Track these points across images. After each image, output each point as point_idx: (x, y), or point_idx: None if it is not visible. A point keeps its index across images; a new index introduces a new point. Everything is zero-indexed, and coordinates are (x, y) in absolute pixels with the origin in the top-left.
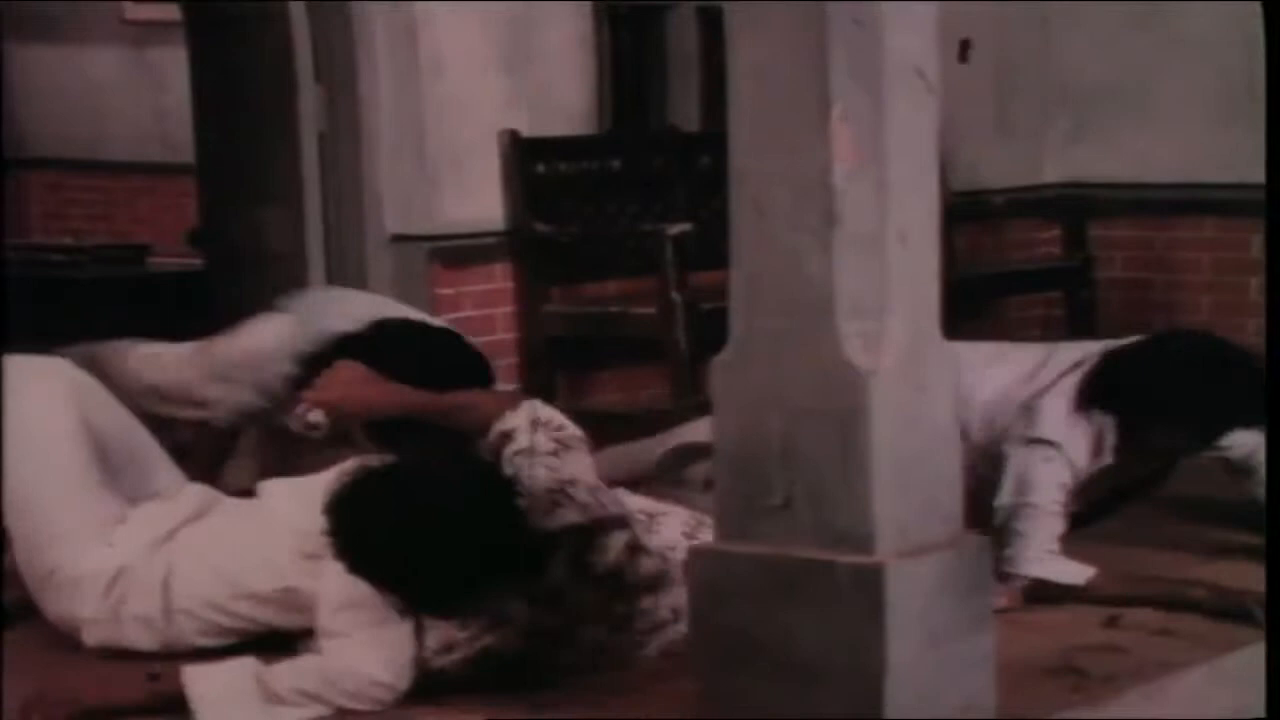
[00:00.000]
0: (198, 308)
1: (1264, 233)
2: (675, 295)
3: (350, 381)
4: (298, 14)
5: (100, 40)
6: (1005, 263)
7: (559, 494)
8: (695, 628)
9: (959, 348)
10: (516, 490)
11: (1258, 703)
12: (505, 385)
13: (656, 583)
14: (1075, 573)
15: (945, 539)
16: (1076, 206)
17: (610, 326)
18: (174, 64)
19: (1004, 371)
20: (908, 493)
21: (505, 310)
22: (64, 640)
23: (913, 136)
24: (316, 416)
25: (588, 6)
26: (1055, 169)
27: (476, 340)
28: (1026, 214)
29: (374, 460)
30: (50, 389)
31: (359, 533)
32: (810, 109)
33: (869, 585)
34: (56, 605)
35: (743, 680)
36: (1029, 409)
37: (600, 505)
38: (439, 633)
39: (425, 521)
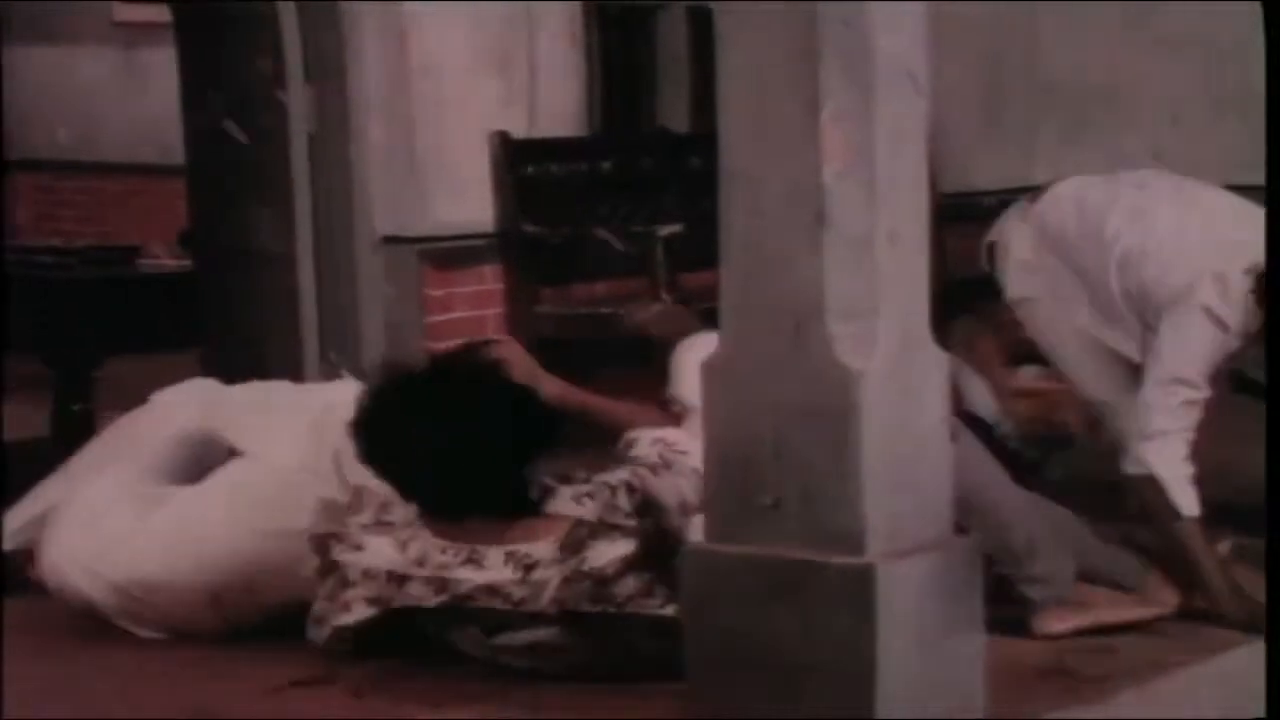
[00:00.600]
0: (187, 309)
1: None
2: (666, 296)
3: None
4: (287, 15)
5: (90, 42)
6: None
7: (622, 495)
8: (687, 627)
9: (1162, 181)
10: (531, 399)
11: (1249, 703)
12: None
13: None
14: (1190, 502)
15: (935, 540)
16: None
17: (601, 328)
18: (163, 65)
19: (1200, 220)
20: (898, 493)
21: (495, 312)
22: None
23: (902, 138)
24: None
25: (578, 8)
26: (1046, 170)
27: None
28: None
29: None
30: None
31: (384, 443)
32: (800, 110)
33: (860, 586)
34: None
35: (734, 680)
36: (1220, 280)
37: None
38: None
39: (442, 433)
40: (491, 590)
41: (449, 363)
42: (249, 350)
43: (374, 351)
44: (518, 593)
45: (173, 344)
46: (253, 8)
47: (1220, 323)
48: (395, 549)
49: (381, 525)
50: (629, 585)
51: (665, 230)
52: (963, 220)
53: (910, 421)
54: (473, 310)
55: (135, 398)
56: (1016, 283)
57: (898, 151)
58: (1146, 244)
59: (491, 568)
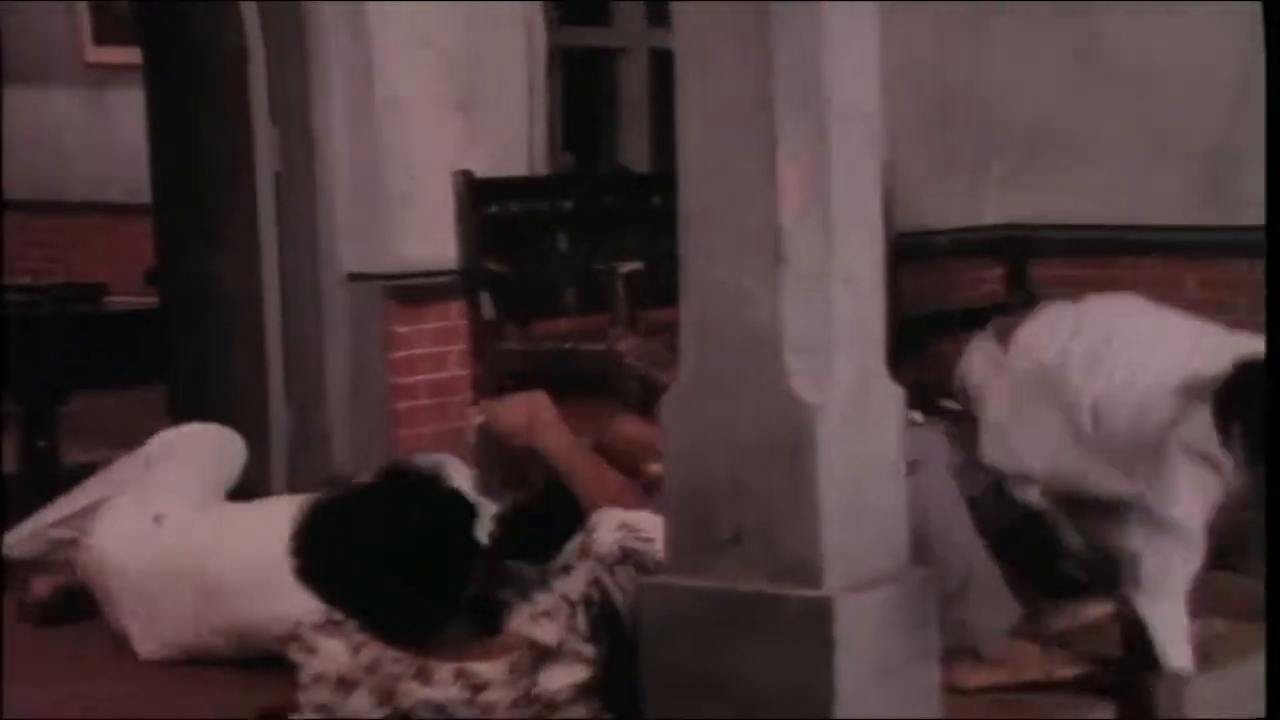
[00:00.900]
0: (154, 346)
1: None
2: (627, 332)
3: (536, 411)
4: (255, 56)
5: (61, 83)
6: (950, 301)
7: (580, 615)
8: (646, 660)
9: (1114, 318)
10: (472, 517)
11: None
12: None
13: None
14: (1185, 659)
15: (892, 572)
16: (1019, 246)
17: (563, 363)
18: (132, 106)
19: (1163, 357)
20: (855, 527)
21: (459, 348)
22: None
23: (857, 179)
24: (478, 421)
25: (541, 49)
26: (997, 210)
27: (431, 377)
28: (970, 254)
29: (334, 490)
30: None
31: (322, 566)
32: (757, 152)
33: (817, 618)
34: None
35: (693, 713)
36: (1192, 413)
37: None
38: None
39: (384, 553)
40: (438, 709)
41: (390, 478)
42: (216, 387)
43: (339, 387)
44: (464, 713)
45: (140, 381)
46: (221, 50)
47: (1209, 460)
48: (348, 653)
49: (334, 625)
50: (579, 712)
51: (626, 268)
52: (917, 258)
53: (866, 455)
54: (437, 346)
55: (101, 434)
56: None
57: (852, 192)
58: (1112, 395)
59: (440, 684)
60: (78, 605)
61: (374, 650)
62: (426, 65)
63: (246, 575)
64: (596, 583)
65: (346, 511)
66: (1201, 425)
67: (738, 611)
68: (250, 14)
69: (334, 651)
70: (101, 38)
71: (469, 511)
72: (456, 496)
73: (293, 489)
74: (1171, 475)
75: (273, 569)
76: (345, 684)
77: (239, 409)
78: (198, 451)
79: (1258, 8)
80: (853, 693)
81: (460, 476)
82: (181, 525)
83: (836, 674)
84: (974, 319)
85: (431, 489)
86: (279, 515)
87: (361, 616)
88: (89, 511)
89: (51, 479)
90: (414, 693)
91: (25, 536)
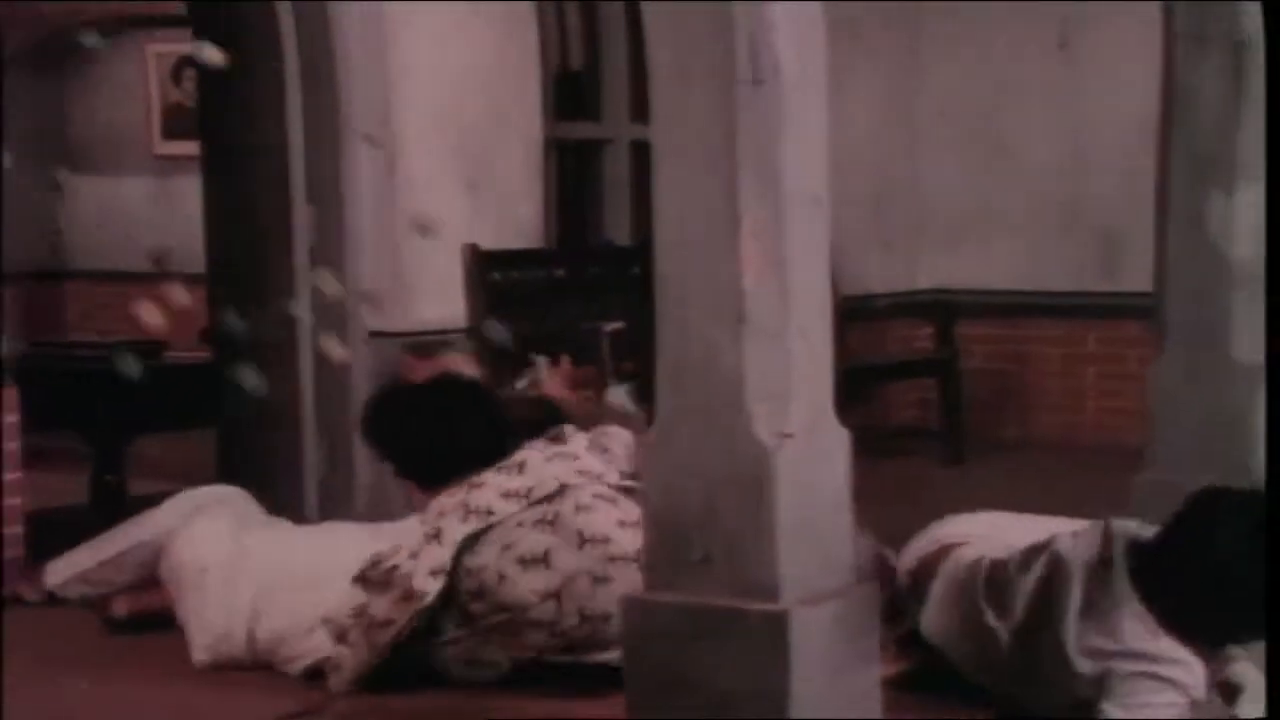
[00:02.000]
0: (206, 395)
1: (1093, 331)
2: (611, 381)
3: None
4: (295, 147)
5: (133, 171)
6: (887, 354)
7: None
8: (628, 666)
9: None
10: (500, 406)
11: None
12: None
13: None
14: None
15: (839, 588)
16: (945, 308)
17: (555, 408)
18: (191, 190)
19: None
20: (808, 549)
21: None
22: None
23: (809, 249)
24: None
25: (538, 140)
26: (927, 277)
27: None
28: (904, 314)
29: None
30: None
31: (386, 434)
32: (723, 227)
33: (776, 628)
34: None
35: (669, 711)
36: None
37: None
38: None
39: (436, 426)
40: (504, 494)
41: (437, 379)
42: (258, 429)
43: None
44: (523, 483)
45: (194, 424)
46: (266, 143)
47: (1175, 685)
48: (427, 537)
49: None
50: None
51: (610, 327)
52: (860, 318)
53: (817, 488)
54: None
55: (161, 471)
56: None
57: (805, 260)
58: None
59: (490, 480)
60: (151, 622)
61: (446, 521)
62: (440, 153)
63: (301, 580)
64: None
65: (408, 396)
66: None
67: (707, 623)
68: (294, 114)
69: (419, 538)
70: (168, 134)
71: (488, 401)
72: (479, 392)
73: (324, 514)
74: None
75: (321, 577)
76: (435, 536)
77: (278, 447)
78: (239, 496)
79: (1144, 99)
80: (806, 691)
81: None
82: (254, 536)
83: (792, 675)
84: (908, 370)
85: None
86: (331, 535)
87: (414, 472)
88: (124, 557)
89: (119, 509)
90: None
91: (65, 580)
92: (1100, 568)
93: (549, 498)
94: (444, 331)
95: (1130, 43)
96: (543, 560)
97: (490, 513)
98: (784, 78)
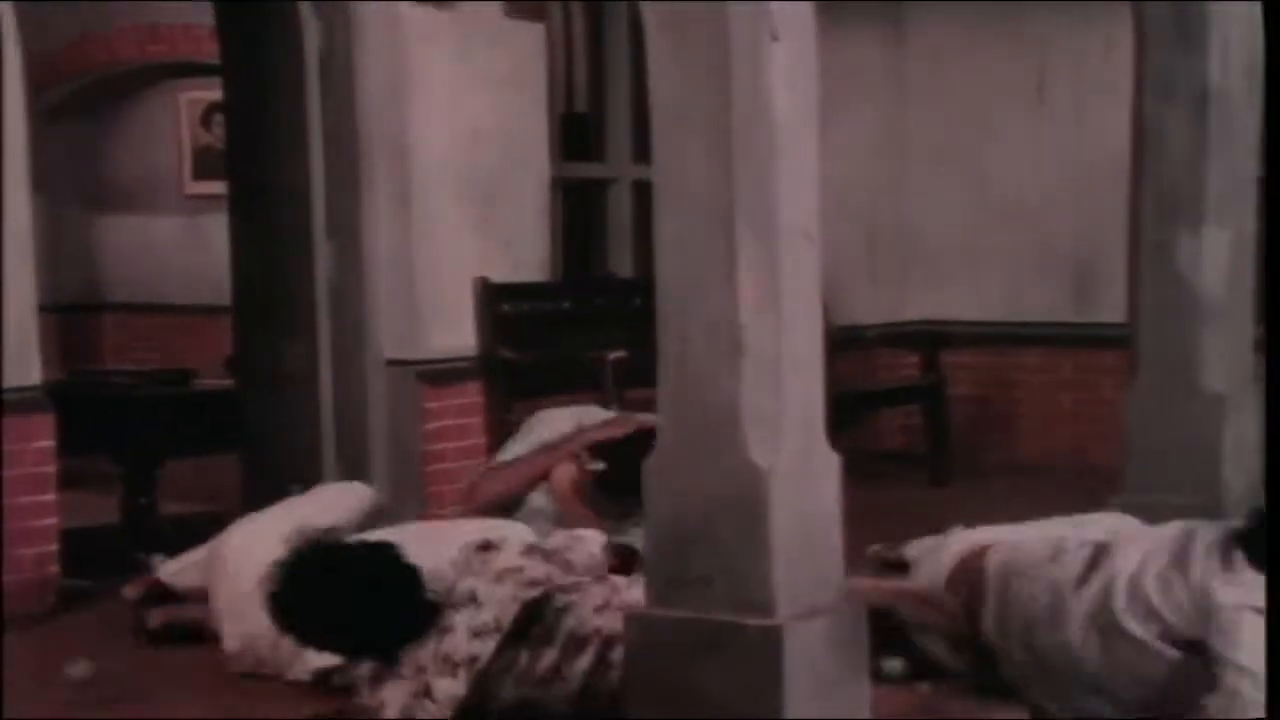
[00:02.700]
0: (232, 420)
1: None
2: (614, 407)
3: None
4: (316, 187)
5: (164, 210)
6: (876, 382)
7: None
8: (630, 677)
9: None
10: (405, 562)
11: None
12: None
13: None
14: None
15: (831, 604)
16: (931, 338)
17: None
18: (220, 227)
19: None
20: (801, 567)
21: (477, 420)
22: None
23: (802, 283)
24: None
25: (546, 179)
26: (914, 309)
27: (456, 444)
28: (892, 344)
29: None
30: None
31: (290, 612)
32: (720, 262)
33: (771, 642)
34: None
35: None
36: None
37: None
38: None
39: (337, 600)
40: (476, 633)
41: (348, 548)
42: (281, 452)
43: (381, 451)
44: (488, 616)
45: (220, 448)
46: (290, 183)
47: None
48: (395, 683)
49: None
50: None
51: (613, 355)
52: (850, 347)
53: (810, 509)
54: (459, 419)
55: (189, 491)
56: None
57: (798, 293)
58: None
59: (456, 623)
60: (185, 633)
61: None
62: (454, 192)
63: None
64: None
65: (309, 579)
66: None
67: (705, 637)
68: (316, 155)
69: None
70: (199, 174)
71: (404, 578)
72: (394, 567)
73: None
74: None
75: None
76: None
77: (299, 470)
78: (330, 498)
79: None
80: (798, 702)
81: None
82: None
83: (786, 687)
84: (896, 397)
85: (374, 560)
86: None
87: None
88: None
89: (149, 528)
90: None
91: (176, 570)
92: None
93: (522, 619)
94: (456, 360)
95: (1103, 91)
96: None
97: (475, 659)
98: (778, 119)
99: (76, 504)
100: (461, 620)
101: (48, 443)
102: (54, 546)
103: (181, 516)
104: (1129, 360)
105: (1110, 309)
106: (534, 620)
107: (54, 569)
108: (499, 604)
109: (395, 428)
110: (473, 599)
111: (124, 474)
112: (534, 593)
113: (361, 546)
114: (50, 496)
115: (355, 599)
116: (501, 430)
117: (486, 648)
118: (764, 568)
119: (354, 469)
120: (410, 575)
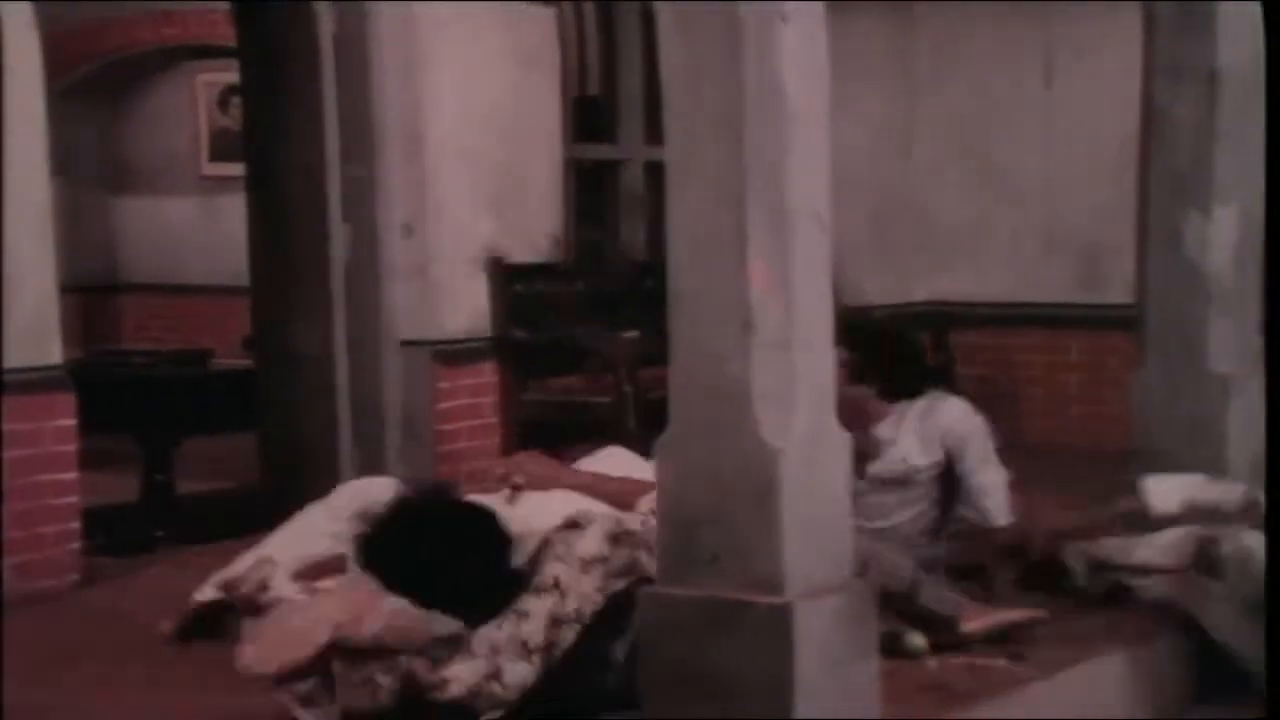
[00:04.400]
0: (249, 399)
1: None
2: (627, 388)
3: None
4: (332, 168)
5: (181, 192)
6: None
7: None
8: (642, 656)
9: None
10: (501, 529)
11: (1089, 705)
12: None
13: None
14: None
15: (839, 583)
16: (940, 319)
17: (574, 412)
18: (236, 209)
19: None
20: (810, 546)
21: (491, 399)
22: None
23: (812, 264)
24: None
25: (559, 159)
26: (923, 290)
27: (469, 423)
28: (901, 325)
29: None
30: None
31: (388, 562)
32: (731, 243)
33: (780, 620)
34: None
35: (682, 697)
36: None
37: None
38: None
39: (434, 552)
40: (555, 621)
41: (431, 499)
42: (298, 431)
43: (395, 430)
44: (570, 607)
45: (238, 427)
46: (306, 164)
47: None
48: (464, 660)
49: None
50: (623, 557)
51: (625, 336)
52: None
53: (819, 489)
54: (472, 398)
55: (207, 470)
56: None
57: (808, 274)
58: None
59: (535, 608)
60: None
61: None
62: (468, 174)
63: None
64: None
65: (403, 529)
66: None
67: (717, 615)
68: (331, 137)
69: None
70: (215, 156)
71: (486, 524)
72: (476, 517)
73: None
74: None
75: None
76: None
77: (316, 449)
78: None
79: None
80: (808, 679)
81: (538, 465)
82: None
83: (796, 665)
84: None
85: (458, 512)
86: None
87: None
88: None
89: (167, 506)
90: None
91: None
92: None
93: (604, 611)
94: (469, 340)
95: (1112, 73)
96: None
97: (551, 646)
98: (789, 102)
99: (95, 484)
100: (542, 606)
101: (69, 421)
102: (76, 524)
103: (199, 495)
104: (1136, 341)
105: (1117, 290)
106: (616, 612)
107: (75, 546)
108: (582, 596)
109: (409, 407)
110: (556, 586)
111: (142, 453)
112: (618, 585)
113: (464, 504)
114: (72, 475)
115: (447, 550)
116: (513, 409)
117: (564, 637)
118: (774, 546)
119: (369, 448)
120: (504, 542)
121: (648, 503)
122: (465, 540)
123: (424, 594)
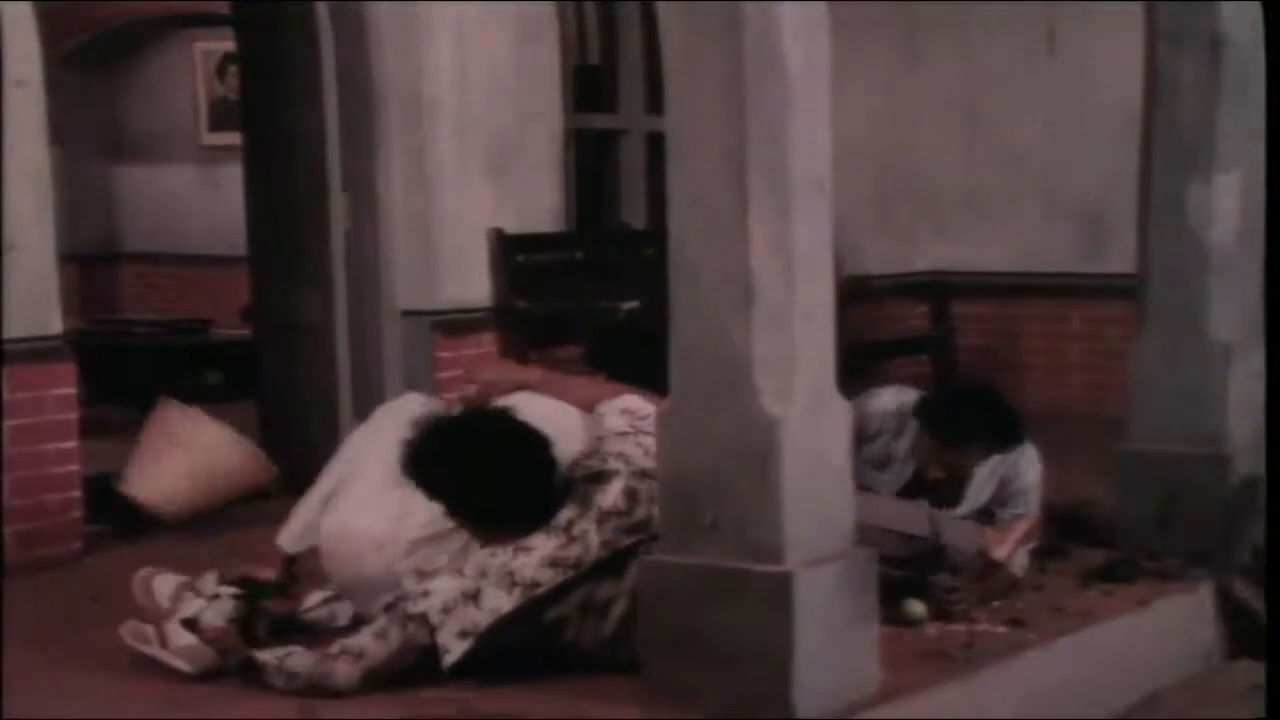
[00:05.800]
0: (248, 367)
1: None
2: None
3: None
4: (331, 137)
5: (180, 161)
6: (886, 332)
7: (602, 454)
8: (642, 623)
9: None
10: (545, 443)
11: (1087, 673)
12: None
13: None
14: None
15: (839, 551)
16: (941, 289)
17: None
18: (235, 179)
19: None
20: (810, 515)
21: None
22: None
23: (813, 234)
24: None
25: (559, 130)
26: (924, 259)
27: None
28: (903, 294)
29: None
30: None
31: (432, 473)
32: (733, 212)
33: (780, 589)
34: None
35: (681, 665)
36: None
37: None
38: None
39: (477, 462)
40: (552, 563)
41: (479, 413)
42: (297, 400)
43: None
44: (573, 553)
45: (236, 395)
46: (304, 133)
47: None
48: (453, 577)
49: (422, 574)
50: (640, 513)
51: (626, 306)
52: (860, 298)
53: (820, 458)
54: (473, 369)
55: None
56: None
57: (809, 243)
58: None
59: (539, 545)
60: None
61: (474, 559)
62: (467, 144)
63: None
64: (626, 462)
65: (454, 439)
66: None
67: (717, 583)
68: (330, 106)
69: (444, 582)
70: (214, 125)
71: (536, 437)
72: (526, 430)
73: None
74: None
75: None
76: (470, 596)
77: (315, 418)
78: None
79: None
80: (808, 647)
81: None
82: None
83: (795, 633)
84: (905, 347)
85: (507, 424)
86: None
87: (468, 515)
88: (334, 495)
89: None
90: (524, 564)
91: (296, 535)
92: None
93: (603, 563)
94: (470, 310)
95: (1114, 39)
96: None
97: (536, 585)
98: (790, 71)
99: (95, 452)
100: (546, 546)
101: (69, 390)
102: (77, 493)
103: None
104: (1137, 311)
105: (1119, 259)
106: (615, 564)
107: (77, 514)
108: (587, 547)
109: (410, 377)
110: (567, 530)
111: (142, 421)
112: (626, 541)
113: (520, 424)
114: (73, 443)
115: (495, 466)
116: None
117: (552, 578)
118: (774, 515)
119: (369, 416)
120: (550, 467)
121: (613, 406)
122: (513, 455)
123: (464, 502)
